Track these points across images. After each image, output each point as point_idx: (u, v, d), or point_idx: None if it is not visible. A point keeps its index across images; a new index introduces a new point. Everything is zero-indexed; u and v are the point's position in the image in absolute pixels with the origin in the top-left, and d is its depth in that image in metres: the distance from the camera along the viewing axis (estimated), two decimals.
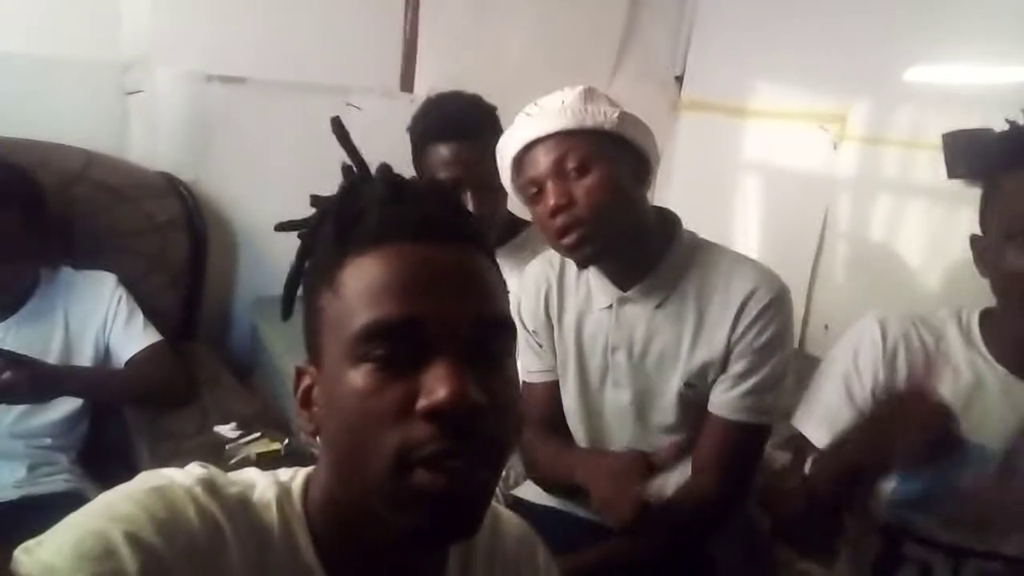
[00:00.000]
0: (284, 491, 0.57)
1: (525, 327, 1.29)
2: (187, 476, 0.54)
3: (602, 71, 2.35)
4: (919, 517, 0.98)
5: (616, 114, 1.09)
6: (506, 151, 1.15)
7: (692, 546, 1.21)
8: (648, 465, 1.09)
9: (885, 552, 1.01)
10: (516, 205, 1.59)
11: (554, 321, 1.27)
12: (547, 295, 1.27)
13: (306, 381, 0.59)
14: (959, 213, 1.55)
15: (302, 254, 0.60)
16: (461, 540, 0.56)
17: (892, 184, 1.82)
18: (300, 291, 0.61)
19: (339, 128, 0.61)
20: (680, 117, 2.42)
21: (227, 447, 1.39)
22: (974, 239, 0.98)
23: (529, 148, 1.11)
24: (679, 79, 2.43)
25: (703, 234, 1.23)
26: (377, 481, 0.50)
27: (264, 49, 1.96)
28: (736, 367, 1.14)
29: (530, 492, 1.35)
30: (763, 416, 1.14)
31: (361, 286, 0.52)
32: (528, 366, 1.31)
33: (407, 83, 2.15)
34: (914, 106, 1.74)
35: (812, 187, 1.95)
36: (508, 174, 1.17)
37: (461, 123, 1.44)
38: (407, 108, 2.10)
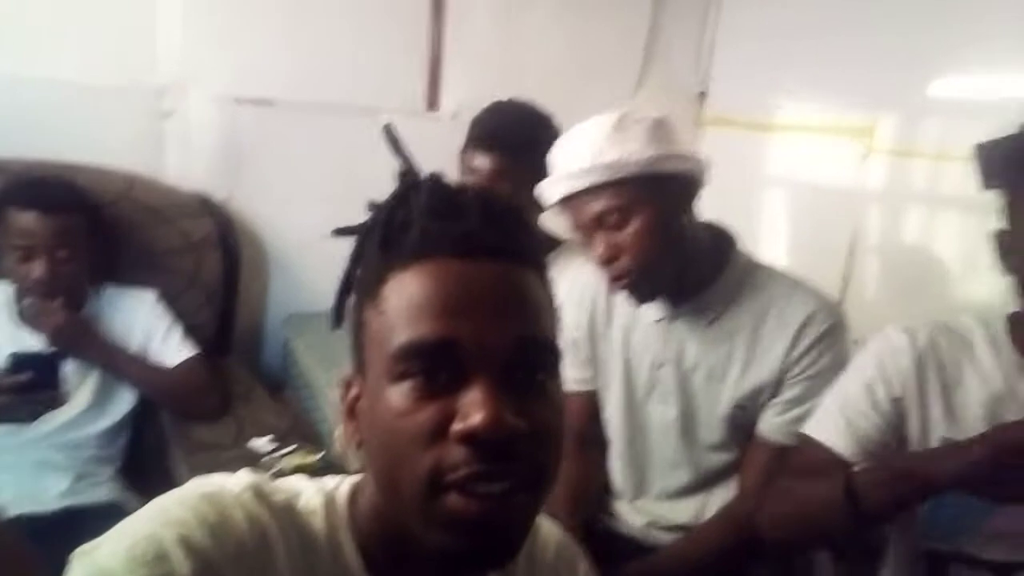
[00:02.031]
0: (330, 499, 0.58)
1: (565, 336, 1.29)
2: (236, 482, 0.55)
3: (625, 88, 2.37)
4: (962, 538, 0.95)
5: (646, 155, 1.04)
6: (547, 199, 1.14)
7: (732, 568, 1.20)
8: None
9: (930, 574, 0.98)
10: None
11: (599, 332, 1.26)
12: (593, 306, 1.26)
13: (353, 392, 0.58)
14: (991, 225, 1.53)
15: (353, 261, 0.58)
16: (497, 566, 0.54)
17: (922, 196, 1.81)
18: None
19: (390, 135, 0.59)
20: (704, 133, 2.43)
21: (262, 460, 1.41)
22: (999, 234, 0.94)
23: (566, 200, 1.10)
24: (703, 95, 2.44)
25: None
26: (411, 501, 0.50)
27: (292, 72, 2.00)
28: (789, 392, 1.13)
29: None
30: None
31: (401, 303, 0.51)
32: (565, 375, 1.31)
33: (433, 102, 2.18)
34: (942, 117, 1.73)
35: (841, 201, 1.94)
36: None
37: (494, 135, 1.44)
38: (434, 126, 2.17)
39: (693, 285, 1.16)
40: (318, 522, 0.56)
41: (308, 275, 2.03)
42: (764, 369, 1.13)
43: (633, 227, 1.07)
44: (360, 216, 0.59)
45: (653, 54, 2.39)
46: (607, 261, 1.09)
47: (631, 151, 1.04)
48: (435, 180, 0.56)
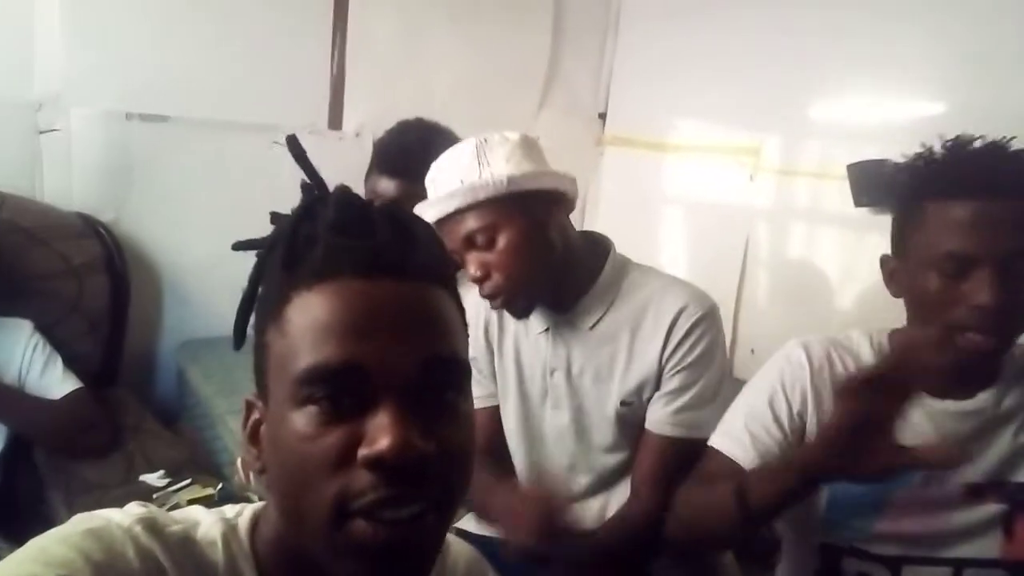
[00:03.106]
0: (230, 528, 0.56)
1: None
2: (126, 516, 0.52)
3: (528, 109, 2.42)
4: (852, 533, 0.99)
5: (506, 176, 1.08)
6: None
7: (635, 565, 1.22)
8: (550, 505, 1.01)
9: (823, 569, 1.02)
10: None
11: (494, 346, 1.29)
12: (487, 322, 1.29)
13: (255, 415, 0.56)
14: (867, 239, 1.66)
15: (255, 279, 0.55)
16: None
17: (805, 213, 1.93)
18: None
19: (295, 146, 0.57)
20: (604, 152, 2.50)
21: (155, 496, 1.33)
22: (884, 259, 1.00)
23: (439, 224, 1.12)
24: (602, 116, 2.52)
25: None
26: (316, 528, 0.48)
27: (188, 87, 1.92)
28: (670, 384, 1.17)
29: (472, 524, 1.34)
30: (699, 431, 1.15)
31: (305, 324, 0.49)
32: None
33: (335, 121, 2.14)
34: (822, 139, 1.85)
35: (732, 217, 2.04)
36: None
37: (398, 159, 1.45)
38: (336, 145, 2.13)
39: (572, 294, 1.20)
40: (217, 553, 0.54)
41: (204, 300, 1.93)
42: (644, 365, 1.18)
43: (500, 246, 1.11)
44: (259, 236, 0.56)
45: (554, 77, 2.45)
46: (480, 280, 1.13)
47: (492, 172, 1.09)
48: (342, 194, 0.54)
